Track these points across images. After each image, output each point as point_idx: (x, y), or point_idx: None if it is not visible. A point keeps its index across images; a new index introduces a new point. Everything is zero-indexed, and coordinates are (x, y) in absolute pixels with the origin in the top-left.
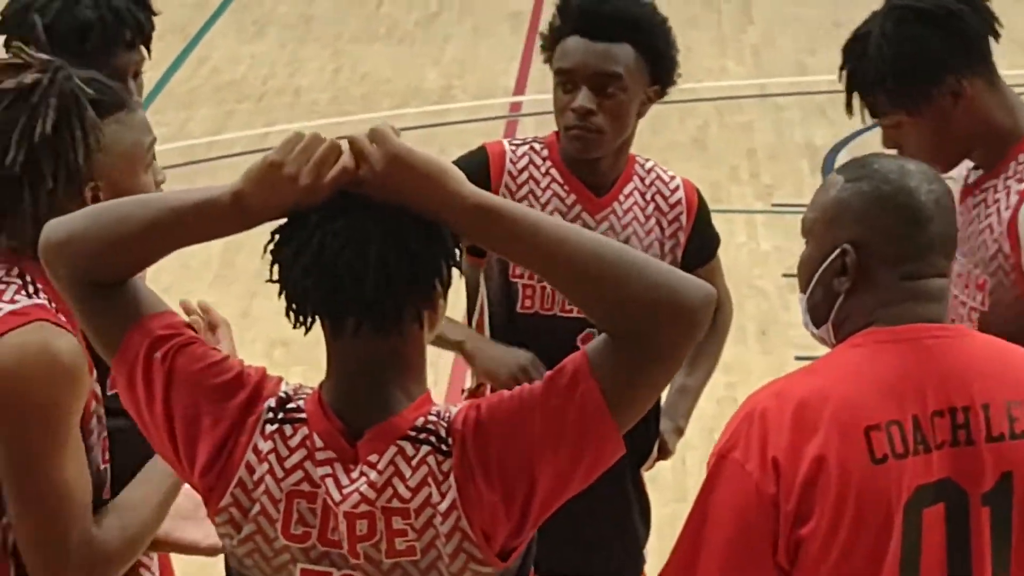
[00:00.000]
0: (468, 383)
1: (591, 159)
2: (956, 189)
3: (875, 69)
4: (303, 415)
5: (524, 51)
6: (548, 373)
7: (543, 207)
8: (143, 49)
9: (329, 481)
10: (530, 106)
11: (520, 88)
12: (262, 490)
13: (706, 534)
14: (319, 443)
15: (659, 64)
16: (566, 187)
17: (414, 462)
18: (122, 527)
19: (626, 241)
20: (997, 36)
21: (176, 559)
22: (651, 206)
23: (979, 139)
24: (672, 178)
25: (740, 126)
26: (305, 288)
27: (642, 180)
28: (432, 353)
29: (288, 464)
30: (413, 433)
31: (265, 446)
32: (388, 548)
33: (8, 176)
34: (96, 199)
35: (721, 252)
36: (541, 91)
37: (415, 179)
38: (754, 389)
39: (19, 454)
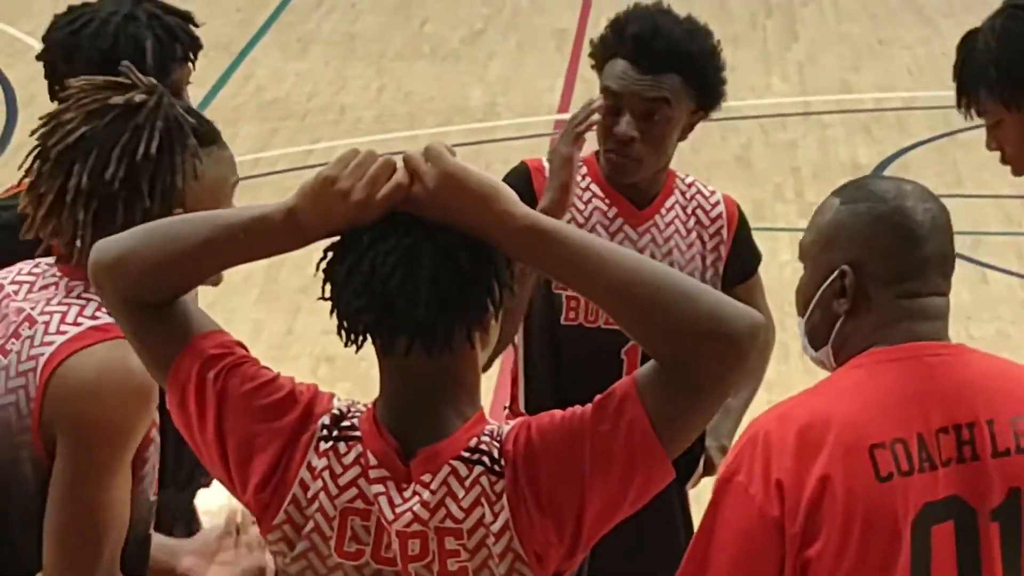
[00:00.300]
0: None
1: None
2: None
3: (978, 63)
4: (358, 433)
5: (569, 68)
6: (597, 398)
7: (586, 221)
8: (191, 64)
9: (383, 499)
10: None
11: (564, 105)
12: (316, 507)
13: (711, 558)
14: (373, 461)
15: (706, 92)
16: (607, 201)
17: (467, 482)
18: None
19: (668, 254)
20: None
21: None
22: (692, 220)
23: None
24: (712, 193)
25: (784, 144)
26: (357, 308)
27: (683, 194)
28: None
29: (342, 481)
30: (466, 453)
31: (319, 463)
32: (441, 568)
33: (105, 191)
34: None
35: (765, 271)
36: None
37: (468, 198)
38: None
39: (76, 469)
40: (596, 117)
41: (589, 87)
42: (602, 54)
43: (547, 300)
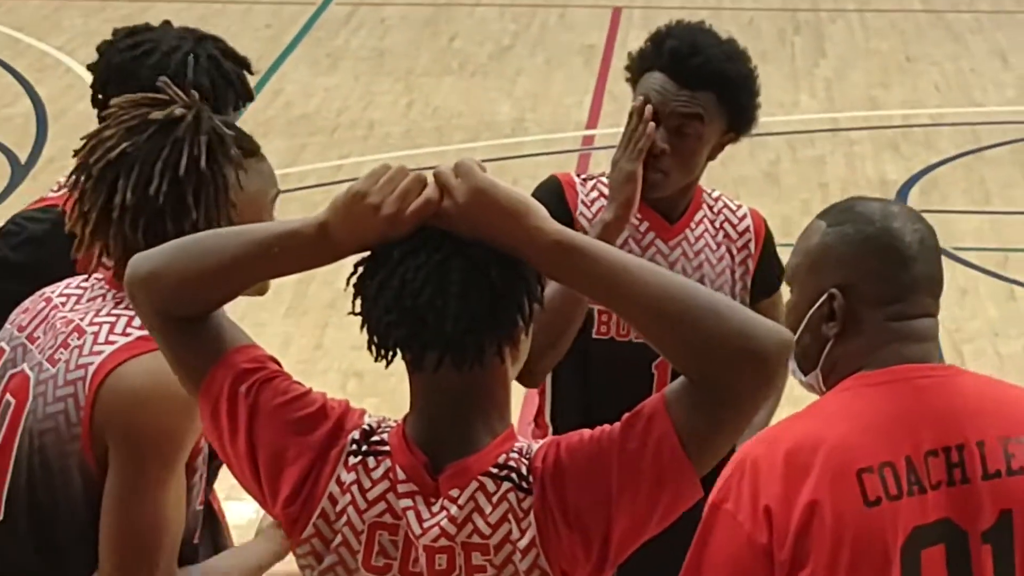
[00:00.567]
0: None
1: None
2: None
3: None
4: (387, 448)
5: (596, 84)
6: (626, 416)
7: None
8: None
9: (410, 514)
10: (603, 140)
11: (593, 122)
12: (344, 521)
13: None
14: (401, 476)
15: (738, 115)
16: (638, 215)
17: (495, 498)
18: None
19: (699, 268)
20: None
21: None
22: (720, 234)
23: None
24: (739, 207)
25: (812, 160)
26: (388, 323)
27: (710, 208)
28: None
29: (371, 496)
30: (495, 470)
31: (348, 477)
32: None
33: (151, 207)
34: None
35: None
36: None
37: (498, 213)
38: None
39: (130, 477)
40: (652, 127)
41: (617, 103)
42: (639, 67)
43: (586, 338)
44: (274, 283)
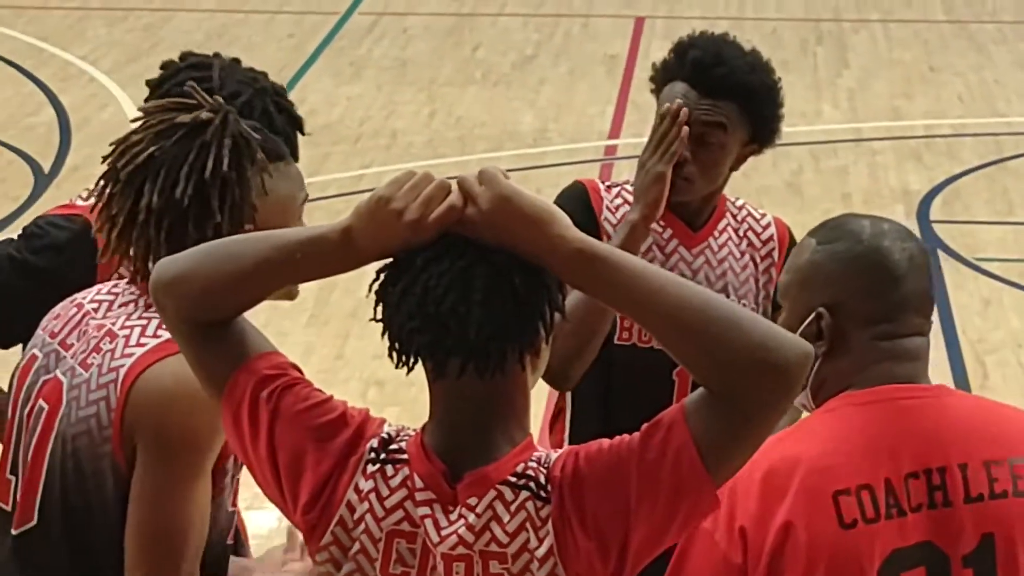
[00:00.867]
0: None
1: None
2: None
3: None
4: (405, 456)
5: (620, 94)
6: (645, 426)
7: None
8: None
9: (428, 522)
10: (625, 149)
11: (615, 131)
12: (362, 529)
13: None
14: (419, 484)
15: (761, 126)
16: (662, 222)
17: (513, 507)
18: None
19: (723, 276)
20: None
21: None
22: (744, 242)
23: None
24: (763, 215)
25: (834, 170)
26: (410, 329)
27: (734, 217)
28: None
29: (389, 504)
30: (513, 478)
31: (366, 485)
32: None
33: (176, 210)
34: None
35: None
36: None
37: (521, 221)
38: None
39: (157, 477)
40: (685, 131)
41: (640, 113)
42: (662, 77)
43: (608, 343)
44: None
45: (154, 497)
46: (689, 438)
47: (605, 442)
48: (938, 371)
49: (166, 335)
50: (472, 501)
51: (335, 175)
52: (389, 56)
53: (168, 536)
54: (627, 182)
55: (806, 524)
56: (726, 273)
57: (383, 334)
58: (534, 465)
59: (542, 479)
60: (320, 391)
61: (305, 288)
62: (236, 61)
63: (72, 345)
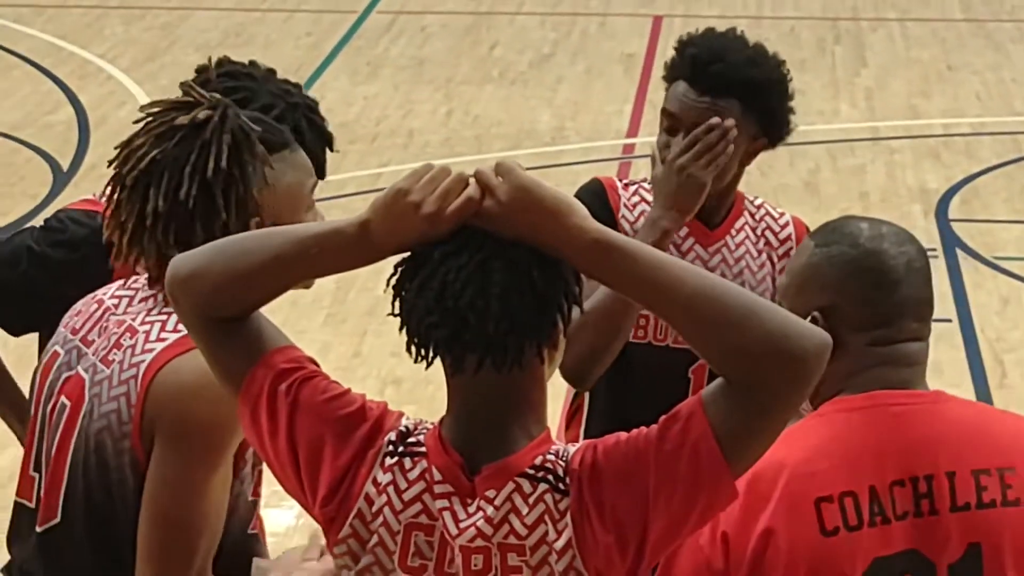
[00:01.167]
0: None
1: None
2: None
3: None
4: (423, 449)
5: (637, 93)
6: (663, 418)
7: None
8: None
9: (446, 515)
10: (643, 148)
11: (633, 130)
12: (380, 522)
13: None
14: (438, 476)
15: (768, 121)
16: None
17: (531, 499)
18: None
19: (739, 274)
20: None
21: None
22: (761, 241)
23: None
24: (782, 214)
25: (852, 169)
26: (429, 324)
27: (752, 216)
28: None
29: (407, 496)
30: (531, 471)
31: (384, 478)
32: None
33: (182, 211)
34: None
35: None
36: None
37: (540, 212)
38: None
39: (176, 468)
40: (731, 149)
41: (657, 112)
42: (669, 77)
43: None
44: (313, 291)
45: (168, 490)
46: (708, 429)
47: (622, 435)
48: (956, 370)
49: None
50: (491, 493)
51: (352, 174)
52: (406, 55)
53: (181, 529)
54: (644, 180)
55: (787, 531)
56: (743, 272)
57: (400, 329)
58: (552, 458)
59: (560, 471)
60: (338, 384)
61: (322, 286)
62: (271, 71)
63: (93, 341)
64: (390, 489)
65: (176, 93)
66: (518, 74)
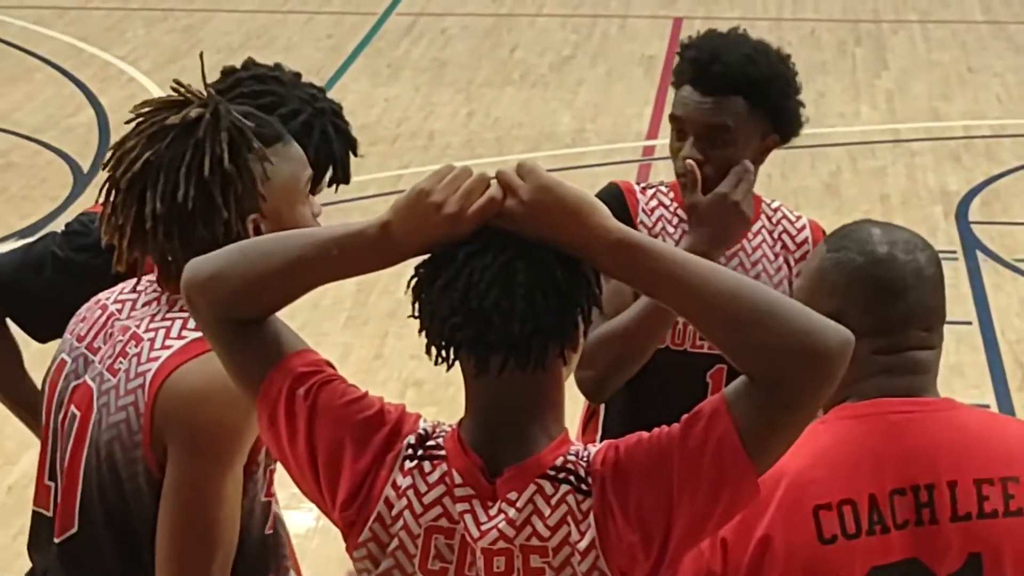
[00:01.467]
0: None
1: None
2: None
3: None
4: (442, 452)
5: (658, 95)
6: (685, 416)
7: (675, 245)
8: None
9: (468, 517)
10: (663, 150)
11: (653, 132)
12: (400, 525)
13: None
14: (458, 479)
15: (777, 116)
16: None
17: (553, 501)
18: None
19: (756, 277)
20: None
21: None
22: (778, 244)
23: None
24: (799, 218)
25: (873, 171)
26: (452, 325)
27: (769, 219)
28: None
29: (427, 500)
30: (552, 472)
31: (404, 482)
32: None
33: (181, 212)
34: (258, 231)
35: None
36: None
37: (563, 212)
38: None
39: (189, 476)
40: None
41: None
42: (676, 81)
43: None
44: (334, 293)
45: (184, 496)
46: (731, 426)
47: (644, 434)
48: (976, 372)
49: (191, 336)
50: (512, 496)
51: (373, 175)
52: (427, 57)
53: (198, 534)
54: (661, 183)
55: (785, 538)
56: (760, 275)
57: (421, 330)
58: (573, 458)
59: (582, 472)
60: (356, 387)
61: (343, 289)
62: (297, 75)
63: (99, 349)
64: (410, 492)
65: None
66: (538, 76)
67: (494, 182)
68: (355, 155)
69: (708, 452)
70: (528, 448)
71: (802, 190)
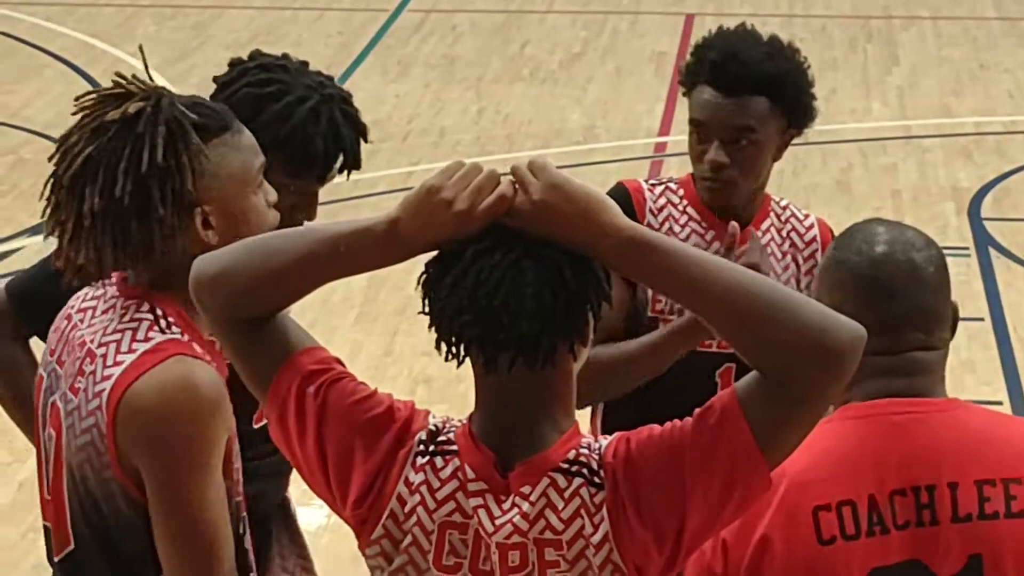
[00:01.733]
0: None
1: None
2: None
3: None
4: (454, 447)
5: (669, 92)
6: (697, 411)
7: (683, 241)
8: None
9: (481, 512)
10: (674, 147)
11: (664, 129)
12: (414, 521)
13: None
14: (471, 474)
15: (794, 111)
16: (704, 224)
17: (567, 494)
18: None
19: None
20: None
21: None
22: (787, 243)
23: None
24: (807, 216)
25: (884, 168)
26: (461, 323)
27: (778, 217)
28: None
29: (440, 495)
30: (565, 465)
31: (416, 478)
32: None
33: (118, 209)
34: (207, 223)
35: None
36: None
37: (573, 209)
38: None
39: (167, 491)
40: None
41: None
42: (689, 80)
43: (639, 320)
44: (344, 290)
45: (170, 511)
46: (743, 420)
47: (655, 428)
48: (989, 369)
49: (141, 348)
50: (526, 489)
51: (383, 172)
52: (437, 53)
53: (197, 544)
54: (671, 179)
55: (784, 539)
56: (768, 274)
57: (430, 327)
58: (585, 451)
59: (595, 465)
60: (365, 385)
61: (353, 285)
62: (304, 64)
63: (64, 362)
64: (423, 488)
65: (210, 90)
66: (549, 73)
67: (504, 179)
68: (365, 141)
69: (720, 447)
70: (539, 442)
71: (813, 187)
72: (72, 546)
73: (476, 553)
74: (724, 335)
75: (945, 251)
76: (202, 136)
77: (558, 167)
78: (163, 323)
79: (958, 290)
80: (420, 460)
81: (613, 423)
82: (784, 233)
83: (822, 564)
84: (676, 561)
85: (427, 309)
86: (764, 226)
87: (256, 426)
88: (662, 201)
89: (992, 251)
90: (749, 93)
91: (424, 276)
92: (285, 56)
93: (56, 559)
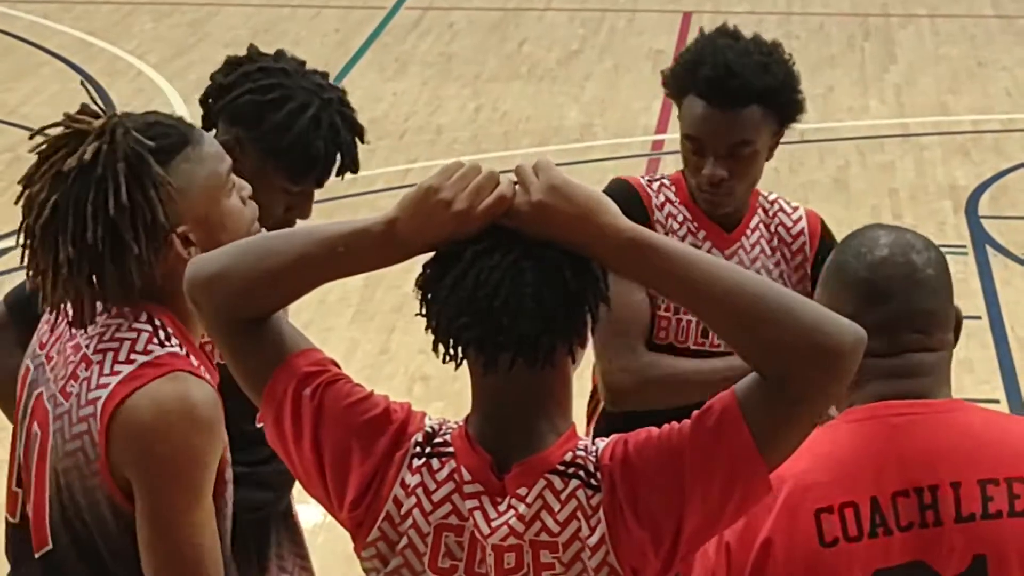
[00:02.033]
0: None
1: None
2: None
3: None
4: (450, 449)
5: None
6: (695, 412)
7: (681, 240)
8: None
9: (477, 514)
10: (671, 145)
11: (661, 127)
12: (409, 524)
13: None
14: (467, 476)
15: (787, 111)
16: (695, 223)
17: (563, 496)
18: None
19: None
20: None
21: None
22: (775, 239)
23: None
24: (795, 209)
25: (881, 166)
26: (460, 324)
27: (765, 212)
28: None
29: (436, 497)
30: (562, 467)
31: (412, 480)
32: None
33: (91, 253)
34: (187, 241)
35: None
36: None
37: (572, 210)
38: None
39: (158, 510)
40: None
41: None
42: (677, 89)
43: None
44: (341, 289)
45: (160, 528)
46: (742, 423)
47: (653, 430)
48: (986, 368)
49: (140, 359)
50: (522, 491)
51: (381, 170)
52: (434, 51)
53: (184, 565)
54: (664, 177)
55: (786, 541)
56: (759, 271)
57: (427, 328)
58: (582, 453)
59: (591, 467)
60: (361, 387)
61: (350, 284)
62: (302, 63)
63: (53, 359)
64: (419, 491)
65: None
66: (546, 70)
67: (503, 179)
68: (362, 142)
69: (719, 450)
70: (536, 444)
71: (810, 184)
72: (50, 546)
73: (472, 555)
74: (724, 336)
75: (942, 249)
76: (163, 158)
77: (556, 164)
78: (162, 334)
79: (955, 288)
80: (416, 462)
81: (610, 425)
82: (772, 228)
83: (824, 566)
84: (672, 564)
85: (425, 310)
86: (752, 224)
87: (259, 425)
88: (661, 198)
89: (989, 249)
90: (744, 105)
91: (422, 277)
92: (280, 53)
93: (36, 556)
